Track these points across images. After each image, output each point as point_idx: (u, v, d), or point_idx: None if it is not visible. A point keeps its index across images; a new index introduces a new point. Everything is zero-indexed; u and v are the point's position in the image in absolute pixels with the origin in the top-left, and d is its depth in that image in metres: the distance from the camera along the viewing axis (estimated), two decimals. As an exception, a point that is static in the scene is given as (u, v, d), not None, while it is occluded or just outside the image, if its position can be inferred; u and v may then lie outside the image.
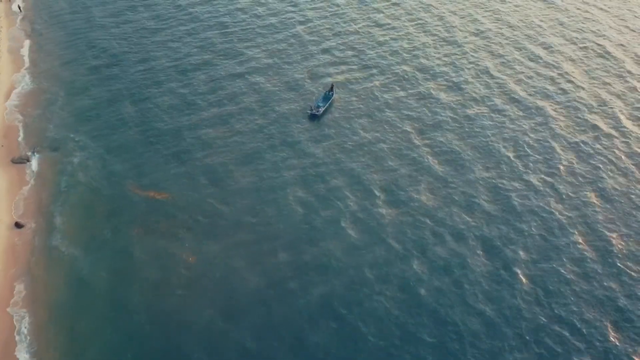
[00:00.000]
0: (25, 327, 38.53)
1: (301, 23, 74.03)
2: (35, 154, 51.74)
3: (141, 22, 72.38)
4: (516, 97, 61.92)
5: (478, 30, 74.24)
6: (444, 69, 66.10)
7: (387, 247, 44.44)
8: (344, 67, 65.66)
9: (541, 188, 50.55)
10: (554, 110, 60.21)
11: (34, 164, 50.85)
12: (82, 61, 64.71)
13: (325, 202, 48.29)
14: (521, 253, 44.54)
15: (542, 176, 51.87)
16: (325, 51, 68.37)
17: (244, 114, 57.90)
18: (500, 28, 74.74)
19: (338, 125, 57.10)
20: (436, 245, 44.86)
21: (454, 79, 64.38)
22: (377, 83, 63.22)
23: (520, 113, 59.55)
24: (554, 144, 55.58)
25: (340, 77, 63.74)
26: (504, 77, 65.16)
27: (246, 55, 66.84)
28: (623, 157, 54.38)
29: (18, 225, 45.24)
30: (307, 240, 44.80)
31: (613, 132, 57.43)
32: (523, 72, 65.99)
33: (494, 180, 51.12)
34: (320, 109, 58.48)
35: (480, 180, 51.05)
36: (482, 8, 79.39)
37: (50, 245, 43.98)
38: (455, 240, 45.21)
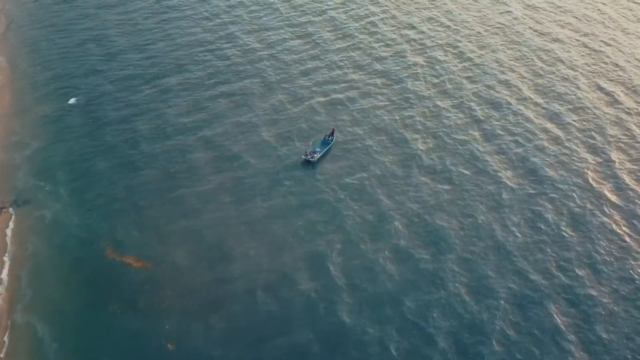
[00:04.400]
0: None
1: (295, 50, 69.40)
2: (1, 210, 46.92)
3: (121, 55, 66.36)
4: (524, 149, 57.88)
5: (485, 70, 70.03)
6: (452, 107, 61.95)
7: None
8: (347, 106, 61.14)
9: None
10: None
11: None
12: (57, 98, 59.11)
13: (320, 279, 43.51)
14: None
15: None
16: (326, 84, 63.74)
17: (232, 164, 52.96)
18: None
19: (335, 177, 52.28)
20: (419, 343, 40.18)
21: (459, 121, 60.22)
22: (384, 125, 58.80)
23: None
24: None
25: (342, 119, 58.89)
26: (516, 121, 61.11)
27: (237, 94, 61.94)
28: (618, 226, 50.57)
29: (-22, 298, 40.69)
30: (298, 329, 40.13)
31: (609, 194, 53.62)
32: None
33: (500, 257, 46.92)
34: (316, 155, 53.78)
35: (484, 254, 46.84)
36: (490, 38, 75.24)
37: (13, 321, 39.36)
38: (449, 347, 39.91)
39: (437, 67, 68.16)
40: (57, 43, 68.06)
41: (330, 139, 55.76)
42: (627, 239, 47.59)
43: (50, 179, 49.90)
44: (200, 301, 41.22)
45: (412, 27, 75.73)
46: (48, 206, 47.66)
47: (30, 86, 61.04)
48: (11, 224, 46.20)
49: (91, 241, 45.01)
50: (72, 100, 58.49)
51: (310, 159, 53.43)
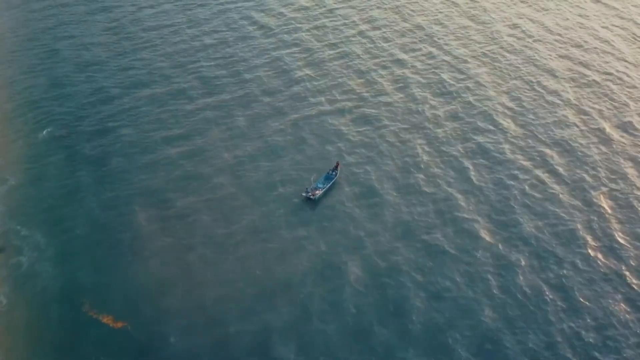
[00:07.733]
0: None
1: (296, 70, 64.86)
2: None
3: (103, 83, 60.99)
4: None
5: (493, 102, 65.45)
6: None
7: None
8: (352, 145, 56.14)
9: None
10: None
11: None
12: (35, 129, 54.27)
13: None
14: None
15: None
16: (329, 114, 58.94)
17: (224, 203, 48.32)
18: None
19: (338, 217, 47.66)
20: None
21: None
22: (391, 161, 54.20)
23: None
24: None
25: (347, 151, 53.95)
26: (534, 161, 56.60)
27: (231, 122, 57.18)
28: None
29: (-60, 366, 36.48)
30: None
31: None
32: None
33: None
34: (318, 192, 49.32)
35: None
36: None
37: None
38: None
39: (446, 98, 63.71)
40: (39, 67, 62.98)
41: (334, 173, 51.24)
42: None
43: (27, 222, 45.64)
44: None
45: (423, 53, 71.28)
46: (24, 253, 43.46)
47: (5, 113, 56.31)
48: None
49: (69, 295, 40.78)
50: (46, 131, 54.12)
51: (312, 197, 48.98)
